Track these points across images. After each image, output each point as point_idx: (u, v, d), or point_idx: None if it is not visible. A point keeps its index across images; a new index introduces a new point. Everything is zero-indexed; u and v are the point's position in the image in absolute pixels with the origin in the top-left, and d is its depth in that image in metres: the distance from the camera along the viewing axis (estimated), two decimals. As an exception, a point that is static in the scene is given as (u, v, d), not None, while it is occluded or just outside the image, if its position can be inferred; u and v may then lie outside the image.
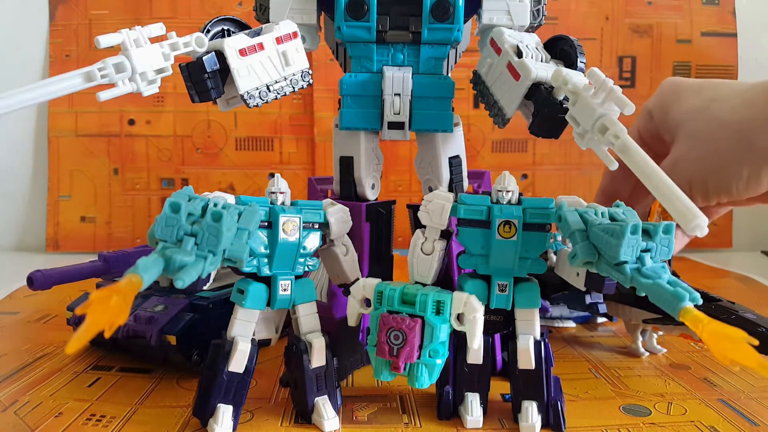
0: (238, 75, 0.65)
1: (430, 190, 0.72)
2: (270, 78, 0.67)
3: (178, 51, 0.62)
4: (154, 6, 1.60)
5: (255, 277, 0.61)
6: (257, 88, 0.66)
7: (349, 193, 0.74)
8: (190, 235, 0.51)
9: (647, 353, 0.84)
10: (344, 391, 0.71)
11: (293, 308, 0.64)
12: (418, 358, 0.58)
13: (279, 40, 0.67)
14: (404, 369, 0.58)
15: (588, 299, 0.82)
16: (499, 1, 0.69)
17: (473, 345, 0.59)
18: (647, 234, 0.54)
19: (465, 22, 0.69)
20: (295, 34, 0.69)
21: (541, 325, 0.63)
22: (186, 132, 1.62)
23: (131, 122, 1.61)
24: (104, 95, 0.57)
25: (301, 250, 0.62)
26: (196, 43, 0.63)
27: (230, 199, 0.59)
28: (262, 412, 0.66)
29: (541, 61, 0.66)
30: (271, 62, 0.67)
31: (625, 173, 0.61)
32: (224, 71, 0.65)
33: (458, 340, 0.64)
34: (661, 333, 0.86)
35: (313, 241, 0.63)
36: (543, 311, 0.91)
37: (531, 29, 0.71)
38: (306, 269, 0.63)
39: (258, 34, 0.67)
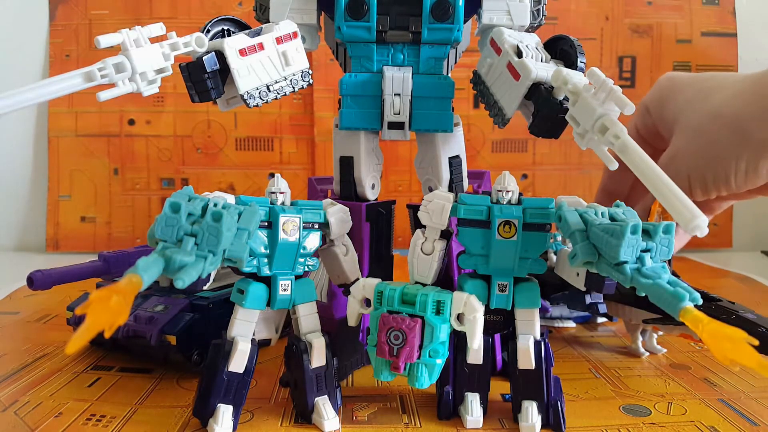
0: (238, 75, 0.65)
1: (430, 190, 0.72)
2: (270, 78, 0.67)
3: (178, 51, 0.62)
4: (154, 6, 1.60)
5: (255, 277, 0.61)
6: (257, 88, 0.66)
7: (349, 193, 0.74)
8: (190, 235, 0.51)
9: (647, 353, 0.84)
10: (344, 391, 0.71)
11: (293, 308, 0.64)
12: (418, 358, 0.58)
13: (279, 40, 0.67)
14: (404, 369, 0.58)
15: (588, 299, 0.82)
16: (499, 1, 0.69)
17: (473, 345, 0.59)
18: (647, 234, 0.54)
19: (465, 22, 0.69)
20: (295, 34, 0.69)
21: (541, 325, 0.63)
22: (186, 132, 1.62)
23: (131, 122, 1.61)
24: (104, 95, 0.57)
25: (301, 250, 0.62)
26: (196, 43, 0.63)
27: (230, 199, 0.59)
28: (262, 412, 0.66)
29: (541, 61, 0.66)
30: (271, 62, 0.67)
31: (624, 170, 0.61)
32: (224, 71, 0.65)
33: (458, 340, 0.64)
34: (661, 333, 0.86)
35: (313, 241, 0.63)
36: (543, 311, 0.91)
37: (531, 29, 0.71)
38: (306, 269, 0.63)
39: (258, 34, 0.67)
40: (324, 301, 0.75)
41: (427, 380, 0.59)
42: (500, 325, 0.65)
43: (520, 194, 0.63)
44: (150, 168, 1.62)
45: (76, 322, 0.81)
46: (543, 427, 0.62)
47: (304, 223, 0.62)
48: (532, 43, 0.68)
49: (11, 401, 0.68)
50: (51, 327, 0.95)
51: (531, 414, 0.61)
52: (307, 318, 0.64)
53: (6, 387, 0.72)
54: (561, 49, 0.69)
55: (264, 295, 0.61)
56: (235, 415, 0.61)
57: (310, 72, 0.70)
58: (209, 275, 0.71)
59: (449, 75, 0.72)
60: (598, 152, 0.57)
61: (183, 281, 0.48)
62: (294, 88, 0.69)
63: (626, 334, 0.89)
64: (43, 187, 1.63)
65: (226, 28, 0.69)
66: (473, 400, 0.64)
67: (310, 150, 1.63)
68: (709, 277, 1.37)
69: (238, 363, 0.60)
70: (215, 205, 0.54)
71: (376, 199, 0.76)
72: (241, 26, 0.71)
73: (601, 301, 0.82)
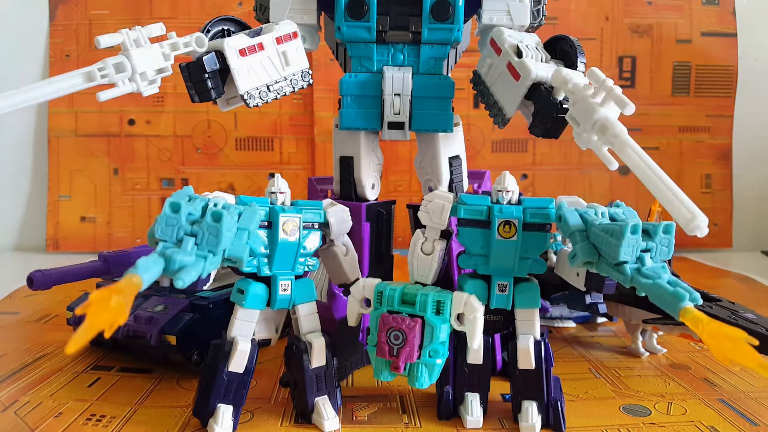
0: (238, 75, 0.65)
1: (430, 190, 0.72)
2: (270, 78, 0.67)
3: (178, 51, 0.62)
4: (154, 6, 1.60)
5: (255, 277, 0.61)
6: (257, 88, 0.66)
7: (349, 193, 0.74)
8: (190, 235, 0.51)
9: (647, 353, 0.84)
10: (344, 391, 0.71)
11: (293, 308, 0.64)
12: (418, 358, 0.58)
13: (279, 40, 0.67)
14: (404, 369, 0.58)
15: (588, 299, 0.82)
16: (499, 1, 0.69)
17: (473, 345, 0.59)
18: (647, 234, 0.54)
19: (465, 22, 0.69)
20: (295, 34, 0.69)
21: (541, 325, 0.63)
22: (186, 132, 1.62)
23: (131, 122, 1.61)
24: (104, 95, 0.57)
25: (301, 250, 0.62)
26: (196, 43, 0.63)
27: (230, 199, 0.59)
28: (262, 412, 0.66)
29: (541, 61, 0.66)
30: (271, 62, 0.67)
31: None
32: (224, 71, 0.65)
33: (458, 340, 0.64)
34: (661, 333, 0.86)
35: (313, 241, 0.63)
36: (543, 311, 0.91)
37: (531, 29, 0.71)
38: (306, 269, 0.63)
39: (258, 34, 0.67)
40: (324, 301, 0.75)
41: (427, 380, 0.59)
42: (500, 325, 0.65)
43: (520, 194, 0.63)
44: (150, 168, 1.62)
45: (76, 322, 0.81)
46: (543, 427, 0.62)
47: (304, 223, 0.62)
48: (532, 43, 0.68)
49: (11, 401, 0.68)
50: (51, 327, 0.95)
51: (531, 414, 0.62)
52: (307, 318, 0.64)
53: (6, 387, 0.72)
54: (561, 49, 0.69)
55: (264, 295, 0.61)
56: (235, 415, 0.61)
57: (310, 72, 0.70)
58: (209, 275, 0.71)
59: (449, 75, 0.72)
60: (598, 152, 0.57)
61: (183, 281, 0.48)
62: (294, 88, 0.69)
63: (626, 334, 0.89)
64: (43, 187, 1.63)
65: (226, 28, 0.69)
66: (473, 400, 0.64)
67: (310, 150, 1.63)
68: (709, 277, 1.37)
69: (238, 363, 0.60)
70: (215, 205, 0.54)
71: (376, 199, 0.76)
72: (241, 26, 0.71)
73: (601, 301, 0.82)
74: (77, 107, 1.60)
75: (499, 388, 0.69)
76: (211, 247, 0.51)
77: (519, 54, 0.65)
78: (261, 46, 0.66)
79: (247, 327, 0.61)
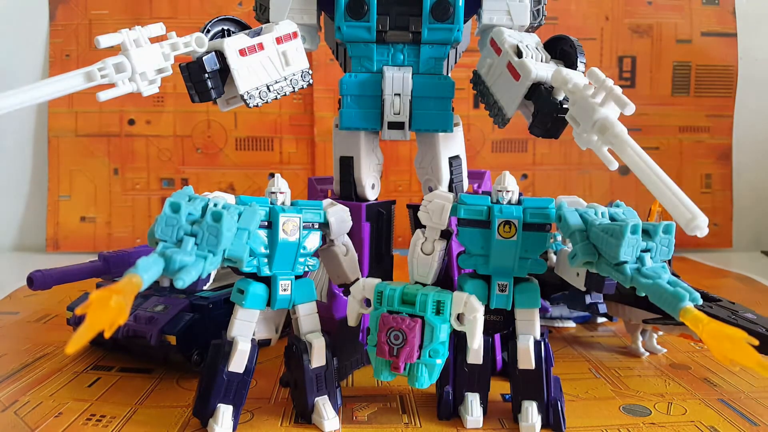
0: (238, 75, 0.65)
1: (430, 190, 0.72)
2: (270, 78, 0.67)
3: (178, 51, 0.62)
4: (154, 6, 1.60)
5: (255, 277, 0.61)
6: (257, 88, 0.66)
7: (349, 193, 0.74)
8: (190, 235, 0.51)
9: (647, 353, 0.84)
10: (344, 391, 0.71)
11: (293, 308, 0.64)
12: (418, 358, 0.58)
13: (279, 40, 0.67)
14: (404, 369, 0.58)
15: (588, 299, 0.82)
16: (499, 1, 0.69)
17: (473, 345, 0.59)
18: (647, 234, 0.54)
19: (465, 22, 0.69)
20: (295, 34, 0.69)
21: (541, 325, 0.63)
22: (186, 132, 1.62)
23: (131, 122, 1.61)
24: (104, 95, 0.57)
25: (301, 250, 0.62)
26: (196, 43, 0.63)
27: (230, 199, 0.59)
28: (262, 412, 0.66)
29: (541, 61, 0.66)
30: (271, 62, 0.67)
31: None
32: (224, 71, 0.65)
33: (458, 340, 0.64)
34: (661, 333, 0.86)
35: (313, 241, 0.63)
36: (543, 311, 0.91)
37: (531, 29, 0.71)
38: (306, 269, 0.63)
39: (258, 34, 0.67)
40: (324, 301, 0.75)
41: (427, 380, 0.59)
42: (500, 325, 0.65)
43: (520, 194, 0.63)
44: (150, 168, 1.62)
45: (76, 322, 0.81)
46: (543, 427, 0.62)
47: (304, 223, 0.62)
48: (532, 43, 0.68)
49: (11, 401, 0.68)
50: (51, 327, 0.95)
51: (531, 414, 0.62)
52: (307, 318, 0.64)
53: (6, 387, 0.72)
54: (561, 49, 0.69)
55: (264, 295, 0.61)
56: (235, 415, 0.61)
57: (310, 72, 0.70)
58: (209, 275, 0.71)
59: (449, 75, 0.72)
60: (598, 152, 0.57)
61: (183, 281, 0.48)
62: (294, 88, 0.69)
63: (626, 334, 0.89)
64: (43, 187, 1.63)
65: (226, 28, 0.69)
66: (473, 400, 0.64)
67: (310, 150, 1.63)
68: (709, 277, 1.37)
69: (238, 363, 0.60)
70: (215, 205, 0.54)
71: (376, 199, 0.76)
72: (241, 26, 0.71)
73: (601, 301, 0.82)
74: (77, 107, 1.60)
75: (499, 388, 0.69)
76: (211, 247, 0.51)
77: (519, 54, 0.65)
78: (261, 46, 0.66)
79: (247, 327, 0.61)
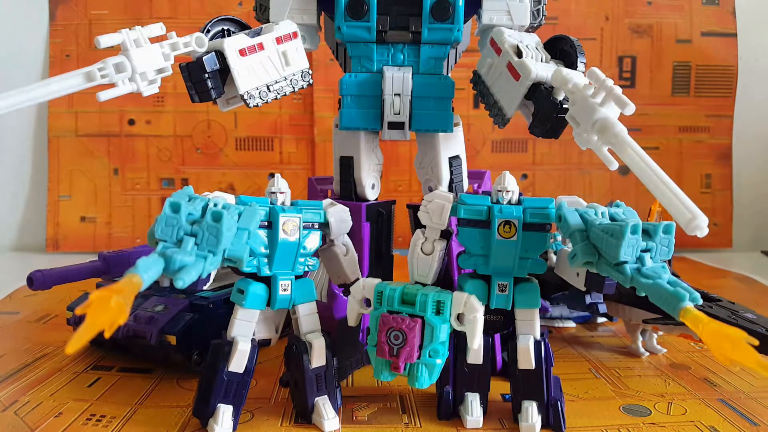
0: (238, 75, 0.65)
1: (430, 190, 0.72)
2: (270, 78, 0.67)
3: (178, 51, 0.62)
4: (154, 6, 1.60)
5: (255, 277, 0.61)
6: (257, 88, 0.66)
7: (349, 193, 0.74)
8: (190, 235, 0.51)
9: (647, 353, 0.84)
10: (344, 391, 0.71)
11: (293, 308, 0.64)
12: (418, 358, 0.58)
13: (279, 40, 0.67)
14: (404, 369, 0.58)
15: (588, 299, 0.82)
16: (499, 1, 0.69)
17: (473, 345, 0.59)
18: (647, 234, 0.54)
19: (465, 22, 0.69)
20: (295, 34, 0.69)
21: (541, 325, 0.63)
22: (186, 132, 1.62)
23: (131, 122, 1.61)
24: (104, 95, 0.57)
25: (301, 250, 0.62)
26: (196, 43, 0.63)
27: (230, 199, 0.59)
28: (262, 412, 0.66)
29: (541, 61, 0.66)
30: (271, 62, 0.67)
31: None
32: (224, 71, 0.65)
33: (458, 340, 0.64)
34: (661, 333, 0.85)
35: (313, 241, 0.63)
36: (543, 311, 0.91)
37: (531, 29, 0.71)
38: (306, 269, 0.63)
39: (258, 34, 0.67)
40: (324, 301, 0.75)
41: (427, 380, 0.59)
42: (500, 325, 0.65)
43: (520, 194, 0.63)
44: (150, 168, 1.62)
45: (76, 322, 0.81)
46: (543, 427, 0.62)
47: (304, 223, 0.62)
48: (532, 43, 0.68)
49: (11, 401, 0.68)
50: (51, 327, 0.95)
51: (531, 414, 0.62)
52: (307, 318, 0.64)
53: (6, 387, 0.72)
54: (561, 49, 0.69)
55: (264, 295, 0.61)
56: (235, 415, 0.61)
57: (310, 72, 0.70)
58: (209, 275, 0.71)
59: (449, 75, 0.72)
60: (598, 152, 0.57)
61: (183, 281, 0.48)
62: (294, 88, 0.69)
63: (626, 334, 0.89)
64: (43, 187, 1.63)
65: (226, 28, 0.69)
66: (473, 400, 0.64)
67: (310, 150, 1.63)
68: (709, 277, 1.37)
69: (238, 363, 0.60)
70: (215, 205, 0.54)
71: (376, 199, 0.76)
72: (241, 26, 0.71)
73: (601, 301, 0.82)
74: (77, 107, 1.60)
75: (499, 388, 0.69)
76: (211, 247, 0.51)
77: (519, 54, 0.65)
78: (261, 46, 0.66)
79: (247, 327, 0.61)
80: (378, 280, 0.63)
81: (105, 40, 0.57)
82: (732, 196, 1.69)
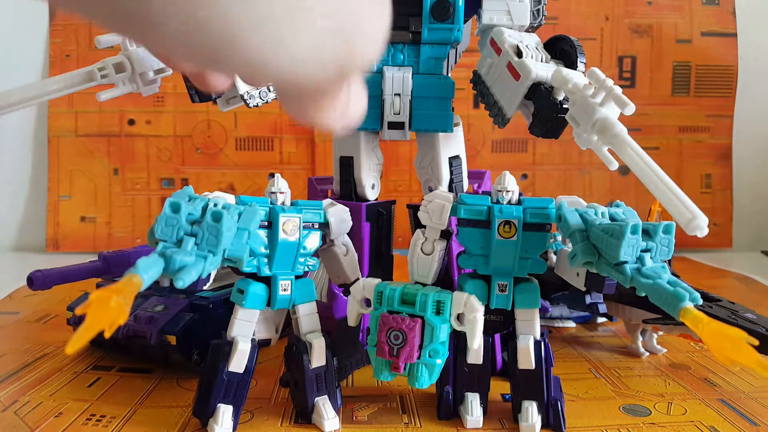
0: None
1: (430, 190, 0.72)
2: (270, 78, 0.67)
3: (178, 51, 0.62)
4: (154, 6, 1.60)
5: (255, 277, 0.61)
6: (257, 88, 0.66)
7: (349, 193, 0.74)
8: (190, 235, 0.51)
9: (647, 353, 0.84)
10: (344, 391, 0.71)
11: (293, 308, 0.64)
12: (418, 358, 0.58)
13: (279, 40, 0.67)
14: (404, 369, 0.58)
15: (588, 299, 0.82)
16: (499, 1, 0.69)
17: (473, 345, 0.59)
18: (647, 234, 0.54)
19: (465, 22, 0.69)
20: (295, 34, 0.68)
21: (541, 325, 0.63)
22: (186, 132, 1.62)
23: (131, 122, 1.61)
24: (104, 95, 0.57)
25: (301, 250, 0.62)
26: (196, 43, 0.63)
27: (230, 199, 0.59)
28: (262, 412, 0.66)
29: (541, 61, 0.66)
30: (271, 62, 0.67)
31: None
32: (224, 71, 0.65)
33: (458, 340, 0.64)
34: (661, 333, 0.86)
35: (313, 241, 0.63)
36: (543, 311, 0.91)
37: (531, 29, 0.71)
38: (306, 269, 0.63)
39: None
40: (324, 301, 0.75)
41: (427, 380, 0.59)
42: (500, 325, 0.65)
43: (520, 194, 0.63)
44: (150, 168, 1.62)
45: (76, 322, 0.81)
46: (543, 427, 0.62)
47: (304, 223, 0.62)
48: (532, 43, 0.68)
49: (11, 401, 0.68)
50: (51, 327, 0.95)
51: (531, 414, 0.61)
52: (307, 318, 0.64)
53: (6, 387, 0.72)
54: (561, 49, 0.69)
55: (264, 295, 0.61)
56: (235, 416, 0.61)
57: (310, 72, 0.70)
58: (209, 275, 0.71)
59: (449, 75, 0.72)
60: (598, 152, 0.57)
61: (183, 281, 0.48)
62: (294, 88, 0.69)
63: (626, 334, 0.89)
64: (43, 187, 1.63)
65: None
66: (473, 400, 0.64)
67: (310, 150, 1.63)
68: (709, 277, 1.37)
69: (238, 363, 0.60)
70: (215, 205, 0.54)
71: (376, 199, 0.76)
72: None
73: (601, 301, 0.82)
74: (77, 107, 1.60)
75: (499, 388, 0.69)
76: (211, 247, 0.51)
77: (519, 54, 0.65)
78: (261, 46, 0.66)
79: (247, 327, 0.61)
80: (378, 280, 0.63)
81: (105, 40, 0.57)
82: (732, 196, 1.69)
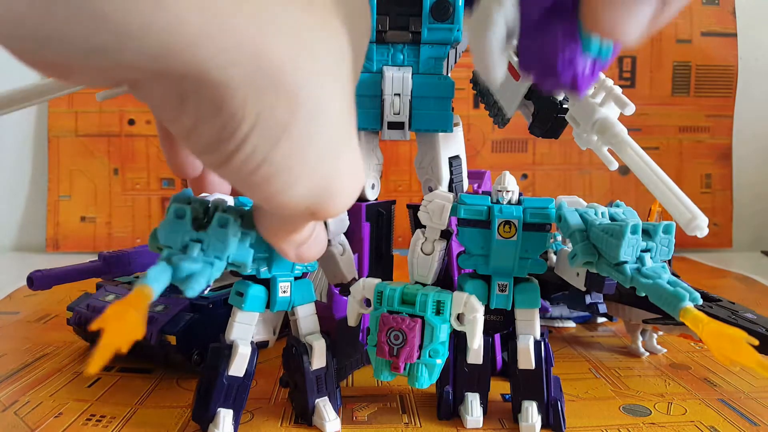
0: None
1: (430, 190, 0.72)
2: (270, 78, 0.67)
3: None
4: (154, 6, 1.60)
5: (254, 279, 0.61)
6: None
7: (349, 193, 0.74)
8: (196, 241, 0.50)
9: (647, 353, 0.84)
10: (344, 391, 0.71)
11: (292, 310, 0.63)
12: (418, 358, 0.58)
13: (279, 40, 0.67)
14: (404, 369, 0.58)
15: (588, 299, 0.82)
16: None
17: (473, 345, 0.58)
18: (647, 234, 0.54)
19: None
20: (295, 34, 0.68)
21: (541, 325, 0.63)
22: (186, 132, 1.62)
23: (131, 122, 1.61)
24: (103, 95, 0.57)
25: (301, 251, 0.62)
26: (196, 43, 0.63)
27: (229, 200, 0.59)
28: (262, 412, 0.66)
29: (541, 61, 0.66)
30: (271, 62, 0.67)
31: None
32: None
33: (458, 340, 0.64)
34: (661, 333, 0.86)
35: (312, 241, 0.63)
36: (543, 311, 0.91)
37: (531, 29, 0.71)
38: (305, 270, 0.63)
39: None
40: (324, 301, 0.75)
41: (427, 380, 0.59)
42: (500, 325, 0.65)
43: (520, 194, 0.63)
44: (150, 168, 1.62)
45: (76, 322, 0.81)
46: (543, 427, 0.62)
47: (303, 223, 0.61)
48: (532, 43, 0.67)
49: (11, 401, 0.68)
50: (51, 327, 0.95)
51: (531, 414, 0.61)
52: (307, 319, 0.64)
53: (6, 387, 0.72)
54: (561, 49, 0.69)
55: (263, 298, 0.61)
56: (236, 419, 0.60)
57: (310, 72, 0.70)
58: (210, 277, 0.71)
59: (449, 75, 0.72)
60: (598, 152, 0.57)
61: (193, 290, 0.46)
62: (294, 88, 0.69)
63: (626, 334, 0.89)
64: (43, 187, 1.63)
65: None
66: (473, 400, 0.64)
67: (310, 150, 1.63)
68: (709, 277, 1.37)
69: (238, 367, 0.60)
70: (216, 207, 0.53)
71: (376, 199, 0.76)
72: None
73: (601, 301, 0.82)
74: (77, 107, 1.60)
75: (499, 388, 0.69)
76: (217, 253, 0.50)
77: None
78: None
79: (246, 330, 0.61)
80: (378, 280, 0.63)
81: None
82: (732, 196, 1.69)
